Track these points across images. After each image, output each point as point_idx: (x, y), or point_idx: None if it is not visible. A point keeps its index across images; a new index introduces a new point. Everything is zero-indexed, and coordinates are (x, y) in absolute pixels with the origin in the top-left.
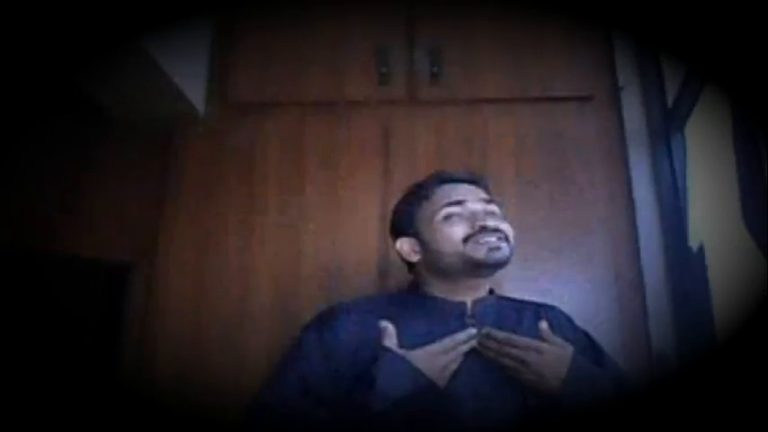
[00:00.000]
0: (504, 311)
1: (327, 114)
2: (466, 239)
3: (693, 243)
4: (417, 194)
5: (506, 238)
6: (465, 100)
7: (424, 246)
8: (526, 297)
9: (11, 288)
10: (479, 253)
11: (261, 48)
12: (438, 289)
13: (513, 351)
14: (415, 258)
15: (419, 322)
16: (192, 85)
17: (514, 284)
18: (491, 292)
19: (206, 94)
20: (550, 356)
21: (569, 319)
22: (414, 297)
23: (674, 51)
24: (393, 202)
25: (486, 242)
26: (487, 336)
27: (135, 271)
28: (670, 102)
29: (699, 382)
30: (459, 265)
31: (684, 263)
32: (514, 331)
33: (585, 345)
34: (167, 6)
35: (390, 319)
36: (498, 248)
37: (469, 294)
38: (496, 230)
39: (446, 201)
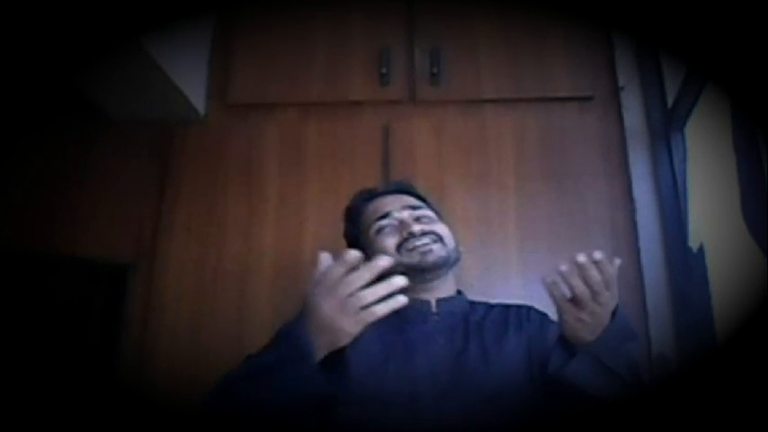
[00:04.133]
0: (472, 309)
1: (327, 114)
2: (398, 248)
3: (693, 243)
4: (351, 217)
5: (440, 239)
6: (465, 100)
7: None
8: (527, 297)
9: (11, 288)
10: (413, 259)
11: (261, 48)
12: (404, 291)
13: (598, 284)
14: None
15: (393, 322)
16: (192, 86)
17: (514, 284)
18: (459, 293)
19: (206, 95)
20: (610, 299)
21: (545, 315)
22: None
23: (674, 51)
24: None
25: (416, 247)
26: (592, 260)
27: (135, 271)
28: (670, 102)
29: (699, 382)
30: (409, 270)
31: (684, 263)
32: (479, 327)
33: (543, 327)
34: (167, 6)
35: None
36: (430, 251)
37: (432, 293)
38: (425, 234)
39: (374, 216)
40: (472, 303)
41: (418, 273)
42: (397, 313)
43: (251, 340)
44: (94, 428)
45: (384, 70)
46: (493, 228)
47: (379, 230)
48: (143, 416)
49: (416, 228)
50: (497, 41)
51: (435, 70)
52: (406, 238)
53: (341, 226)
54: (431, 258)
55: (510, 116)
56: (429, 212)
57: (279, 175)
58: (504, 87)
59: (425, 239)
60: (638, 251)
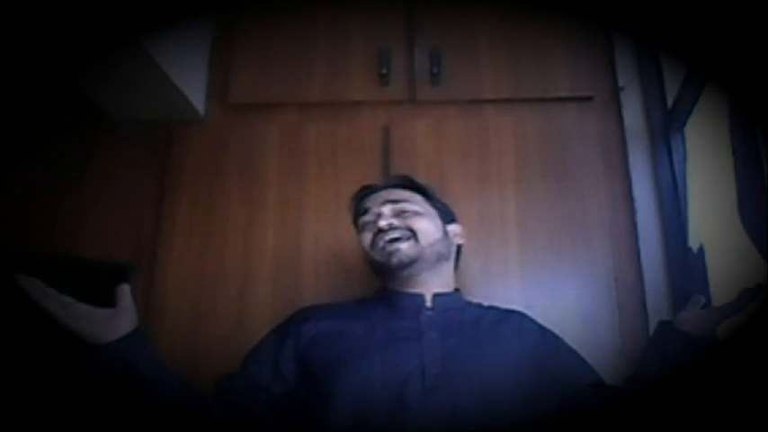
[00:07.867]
0: (467, 307)
1: (327, 114)
2: (372, 245)
3: (693, 244)
4: (353, 212)
5: (413, 236)
6: (465, 100)
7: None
8: (526, 296)
9: (11, 288)
10: (382, 257)
11: (261, 48)
12: (395, 284)
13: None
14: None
15: (387, 317)
16: (192, 86)
17: (514, 284)
18: (457, 290)
19: (206, 95)
20: None
21: (535, 322)
22: (381, 296)
23: (674, 51)
24: None
25: (383, 246)
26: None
27: (135, 271)
28: (670, 102)
29: (698, 382)
30: (379, 268)
31: (684, 263)
32: (475, 325)
33: (554, 345)
34: (167, 6)
35: (360, 317)
36: (396, 251)
37: (427, 287)
38: (395, 229)
39: (359, 212)
40: (468, 303)
41: (387, 270)
42: (389, 306)
43: (251, 340)
44: (94, 428)
45: (384, 71)
46: (493, 228)
47: (362, 226)
48: (142, 416)
49: (383, 222)
50: (497, 41)
51: (435, 70)
52: (376, 233)
53: (340, 225)
54: (395, 260)
55: (510, 116)
56: (413, 207)
57: (279, 175)
58: (504, 87)
59: (395, 234)
60: (637, 251)
